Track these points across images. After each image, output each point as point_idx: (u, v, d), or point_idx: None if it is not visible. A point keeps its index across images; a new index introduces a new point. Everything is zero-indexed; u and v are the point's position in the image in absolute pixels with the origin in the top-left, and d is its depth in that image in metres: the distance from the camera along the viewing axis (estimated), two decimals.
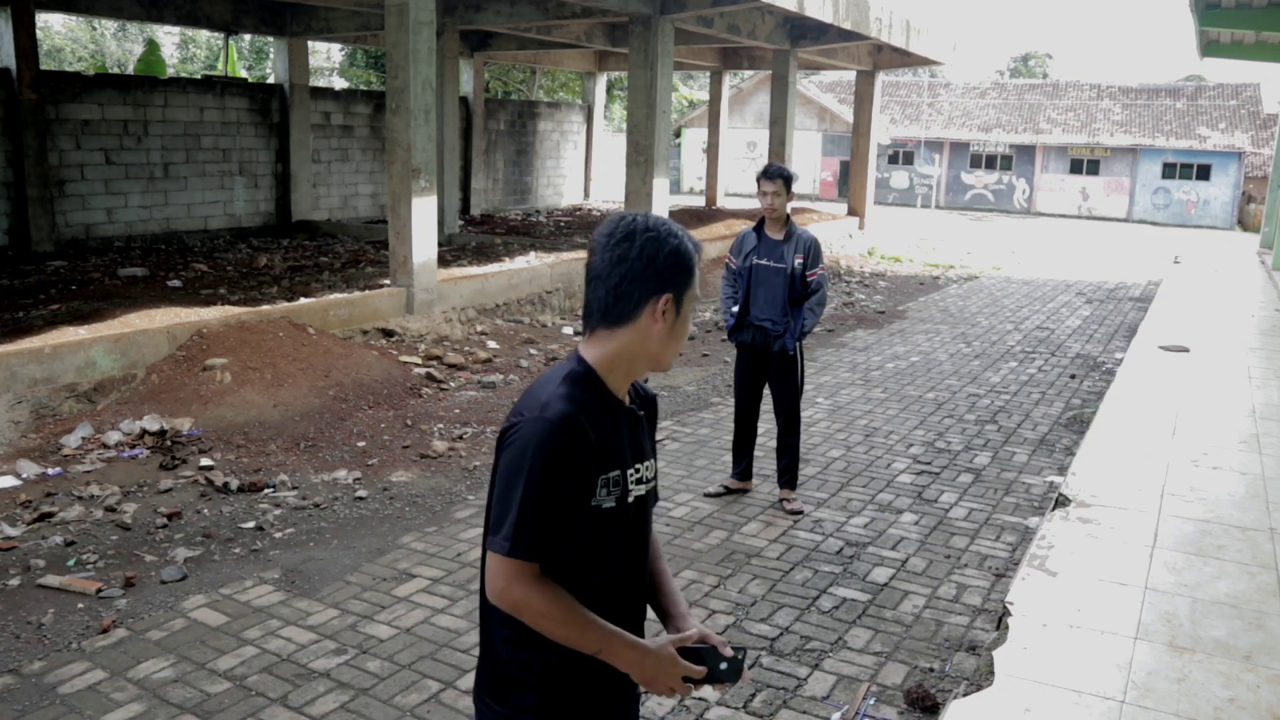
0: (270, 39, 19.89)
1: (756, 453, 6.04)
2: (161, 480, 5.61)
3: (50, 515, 5.06)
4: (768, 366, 5.55)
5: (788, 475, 5.60)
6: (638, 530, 1.84)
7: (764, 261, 5.40)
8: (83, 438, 6.11)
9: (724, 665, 1.71)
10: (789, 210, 5.45)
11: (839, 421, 7.41)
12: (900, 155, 36.96)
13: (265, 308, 8.24)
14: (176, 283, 10.18)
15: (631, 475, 1.78)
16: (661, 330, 1.75)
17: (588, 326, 1.79)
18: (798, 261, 5.35)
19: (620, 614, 1.79)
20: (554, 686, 1.75)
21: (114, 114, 13.53)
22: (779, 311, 5.39)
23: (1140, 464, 5.97)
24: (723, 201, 23.77)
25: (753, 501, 5.67)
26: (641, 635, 1.84)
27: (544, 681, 1.75)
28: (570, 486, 1.67)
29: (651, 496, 1.88)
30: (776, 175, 5.29)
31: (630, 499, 1.77)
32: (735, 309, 5.48)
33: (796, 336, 5.39)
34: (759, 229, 5.46)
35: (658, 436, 6.77)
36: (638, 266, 1.73)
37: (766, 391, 5.69)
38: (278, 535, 4.99)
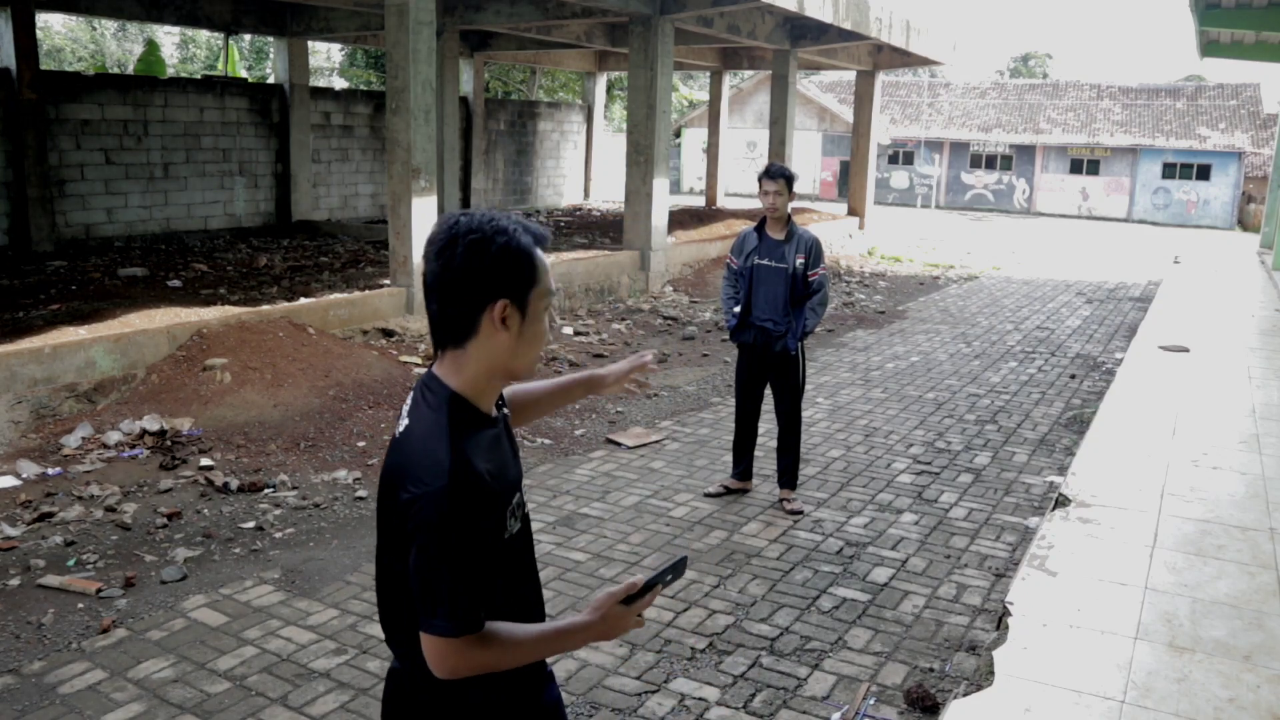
0: (270, 39, 19.90)
1: (756, 453, 6.04)
2: (161, 480, 5.61)
3: (50, 515, 5.06)
4: (769, 366, 5.55)
5: (788, 475, 5.60)
6: (530, 533, 1.81)
7: (765, 261, 5.40)
8: (83, 438, 6.11)
9: (669, 576, 1.66)
10: (790, 210, 5.45)
11: (839, 421, 7.41)
12: (900, 155, 36.97)
13: (265, 308, 8.23)
14: (176, 283, 10.18)
15: (521, 489, 1.74)
16: (508, 340, 1.61)
17: (437, 347, 1.66)
18: (799, 261, 5.35)
19: (536, 607, 1.79)
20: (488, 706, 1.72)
21: (114, 114, 13.53)
22: (780, 312, 5.39)
23: (1140, 464, 5.97)
24: (723, 201, 23.77)
25: (753, 501, 5.67)
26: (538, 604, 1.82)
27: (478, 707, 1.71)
28: (485, 536, 1.59)
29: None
30: (779, 175, 5.28)
31: (522, 510, 1.74)
32: (737, 309, 5.48)
33: (798, 336, 5.39)
34: (760, 229, 5.46)
35: (656, 437, 6.79)
36: (463, 275, 1.57)
37: (767, 392, 5.69)
38: (278, 535, 4.99)
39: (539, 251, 1.64)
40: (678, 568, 1.67)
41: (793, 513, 5.47)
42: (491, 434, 1.67)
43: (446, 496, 1.52)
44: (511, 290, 1.60)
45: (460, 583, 1.54)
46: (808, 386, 8.36)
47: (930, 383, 8.79)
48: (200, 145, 14.74)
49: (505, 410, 1.78)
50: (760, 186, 5.37)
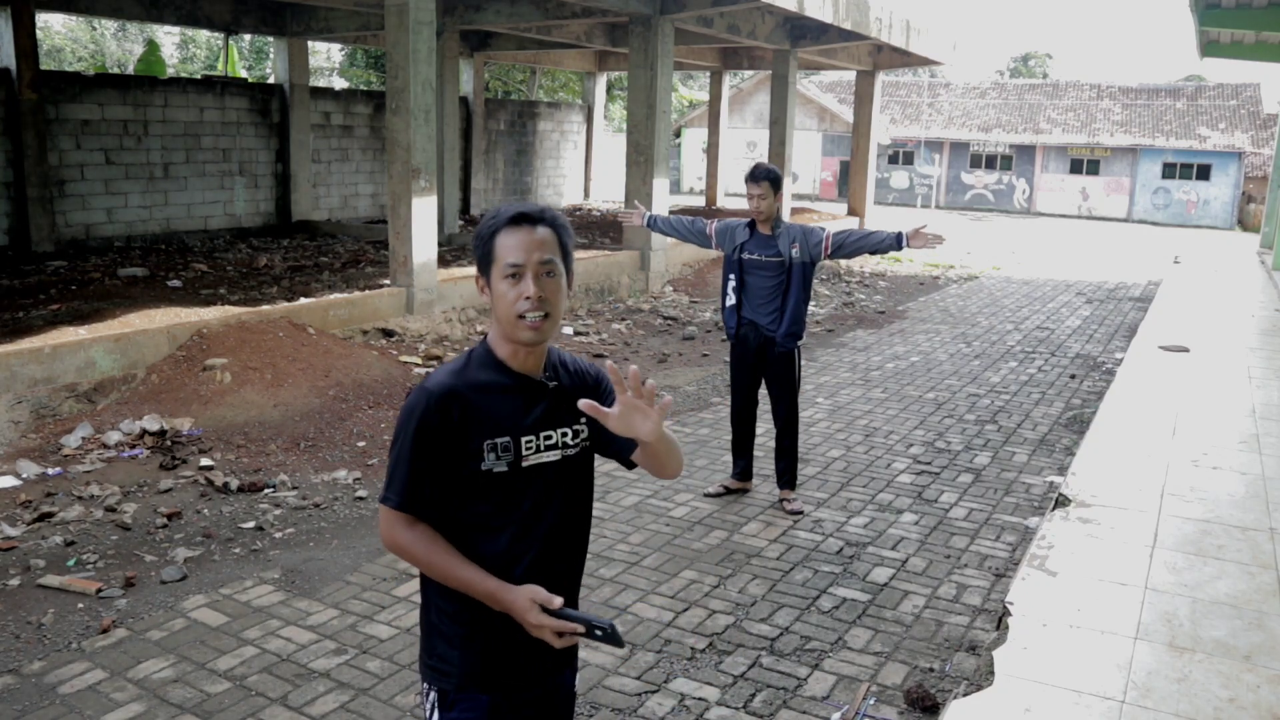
0: (270, 39, 19.90)
1: (756, 452, 6.04)
2: (161, 480, 5.61)
3: (50, 515, 5.06)
4: (763, 364, 5.51)
5: (787, 476, 5.59)
6: (550, 494, 1.95)
7: (755, 255, 5.29)
8: (83, 438, 6.11)
9: (599, 631, 1.78)
10: (786, 212, 5.42)
11: (839, 421, 7.41)
12: (900, 155, 36.95)
13: (265, 308, 8.24)
14: (176, 283, 10.18)
15: (527, 442, 1.91)
16: (492, 306, 1.93)
17: None
18: (794, 251, 5.22)
19: (535, 570, 1.91)
20: (470, 648, 1.93)
21: (114, 114, 13.53)
22: (770, 309, 5.32)
23: (1140, 464, 5.97)
24: (723, 201, 23.77)
25: (753, 501, 5.67)
26: (570, 594, 2.01)
27: (461, 643, 1.94)
28: (444, 449, 1.86)
29: (568, 464, 1.98)
30: (763, 177, 5.17)
31: (525, 464, 1.91)
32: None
33: (898, 234, 5.01)
34: (752, 225, 5.37)
35: None
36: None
37: (764, 392, 5.68)
38: (278, 535, 4.99)
39: (508, 231, 1.89)
40: (611, 635, 1.78)
41: (793, 513, 5.46)
42: (503, 380, 1.92)
43: (415, 396, 1.88)
44: (481, 267, 1.95)
45: (400, 469, 1.87)
46: (807, 386, 8.37)
47: (930, 383, 8.79)
48: (200, 145, 14.74)
49: (554, 383, 1.97)
50: (746, 190, 5.26)
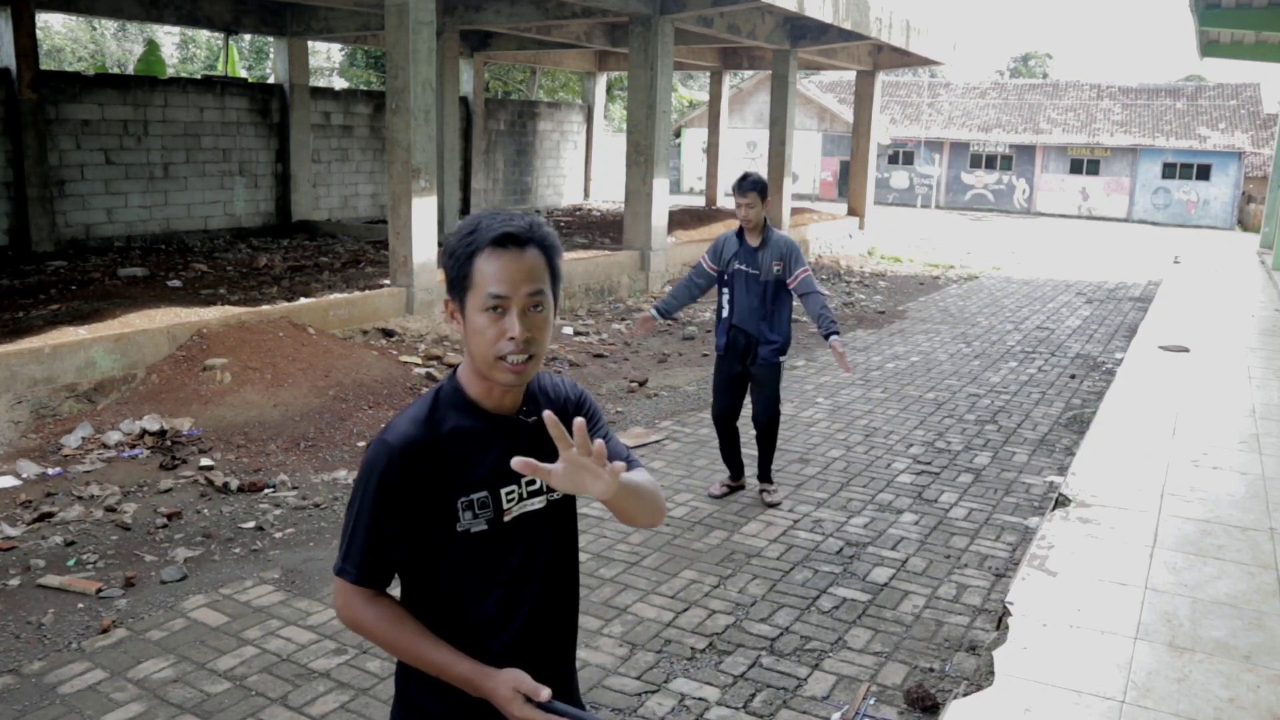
0: (270, 39, 19.89)
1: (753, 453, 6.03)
2: (161, 480, 5.61)
3: (50, 515, 5.06)
4: (746, 370, 5.54)
5: (764, 468, 5.66)
6: (538, 544, 1.73)
7: (743, 268, 5.41)
8: (83, 438, 6.11)
9: None
10: (786, 214, 5.46)
11: (839, 421, 7.41)
12: (900, 155, 36.96)
13: (265, 308, 8.23)
14: (176, 283, 10.18)
15: (508, 494, 1.68)
16: (463, 334, 1.65)
17: None
18: (775, 269, 5.35)
19: (529, 631, 1.72)
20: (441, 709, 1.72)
21: (114, 114, 13.53)
22: (757, 319, 5.39)
23: (1140, 464, 5.97)
24: (723, 201, 23.76)
25: (753, 501, 5.67)
26: (571, 648, 1.83)
27: (434, 703, 1.72)
28: (411, 510, 1.62)
29: (554, 508, 1.75)
30: (750, 188, 5.31)
31: (508, 518, 1.68)
32: (673, 308, 5.58)
33: (832, 332, 5.27)
34: (740, 234, 5.48)
35: (656, 437, 6.78)
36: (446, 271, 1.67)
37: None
38: (278, 535, 4.99)
39: (491, 254, 1.60)
40: None
41: (770, 504, 5.53)
42: (475, 425, 1.67)
43: (374, 450, 1.62)
44: (452, 288, 1.65)
45: (358, 537, 1.63)
46: (808, 386, 8.38)
47: (930, 383, 8.79)
48: (200, 145, 14.74)
49: (533, 419, 1.71)
50: (735, 199, 5.40)
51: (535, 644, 1.74)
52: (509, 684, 1.59)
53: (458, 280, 1.63)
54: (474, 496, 1.65)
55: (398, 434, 1.63)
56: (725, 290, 5.48)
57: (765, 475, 5.68)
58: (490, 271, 1.59)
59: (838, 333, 5.31)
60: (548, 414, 1.51)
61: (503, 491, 1.68)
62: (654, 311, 5.61)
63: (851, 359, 9.65)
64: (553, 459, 1.55)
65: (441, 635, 1.67)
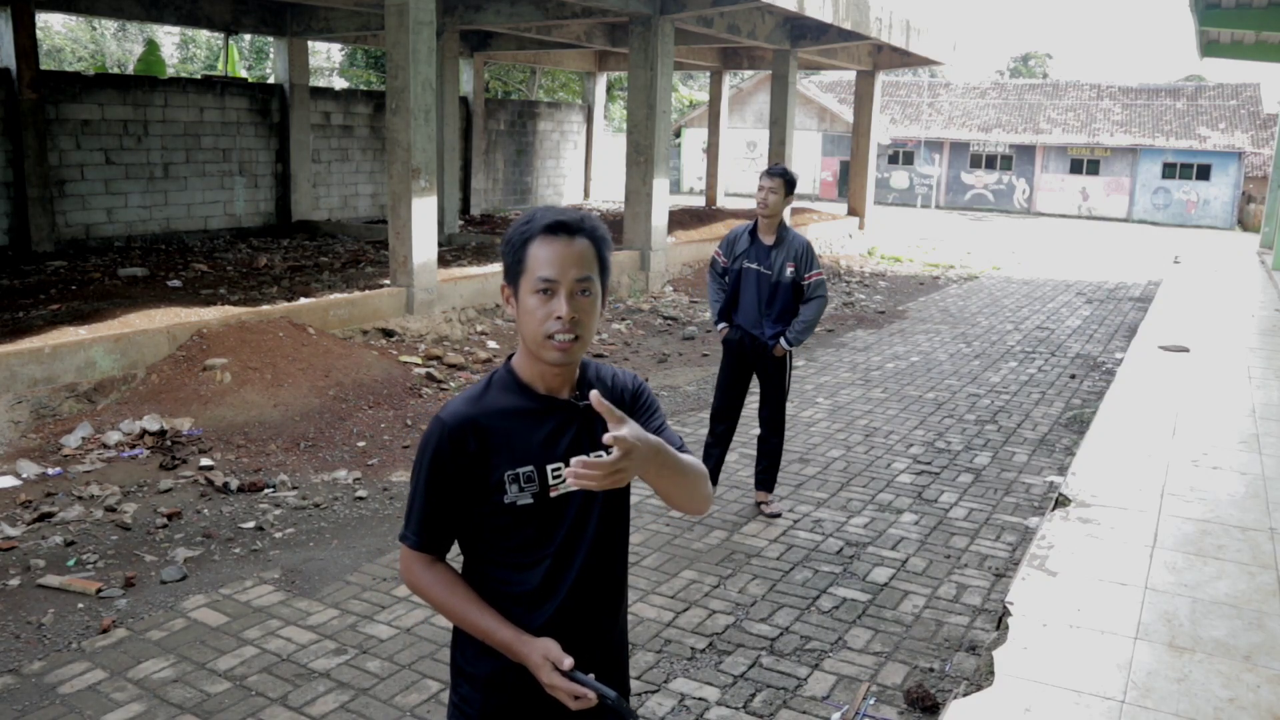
0: (270, 39, 19.90)
1: (752, 453, 6.01)
2: (161, 480, 5.61)
3: (50, 515, 5.06)
4: (753, 367, 5.47)
5: (766, 477, 5.51)
6: (585, 521, 1.82)
7: (752, 265, 5.30)
8: (83, 438, 6.11)
9: (608, 701, 1.69)
10: (787, 213, 5.37)
11: (839, 421, 7.41)
12: (900, 155, 36.96)
13: (265, 308, 8.23)
14: (176, 283, 10.18)
15: (554, 470, 1.77)
16: (517, 319, 1.78)
17: None
18: (789, 271, 5.23)
19: (573, 607, 1.81)
20: (492, 693, 1.83)
21: (114, 114, 13.53)
22: (760, 318, 5.30)
23: (1140, 464, 5.97)
24: (723, 201, 23.77)
25: (753, 501, 5.66)
26: (614, 628, 1.91)
27: (484, 686, 1.83)
28: (462, 483, 1.76)
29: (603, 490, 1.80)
30: (778, 174, 5.21)
31: (554, 494, 1.78)
32: (719, 308, 5.43)
33: (791, 343, 5.27)
34: (753, 230, 5.39)
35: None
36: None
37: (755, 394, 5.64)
38: (278, 535, 4.99)
39: (543, 240, 1.73)
40: (618, 708, 1.70)
41: (770, 516, 5.40)
42: (526, 406, 1.79)
43: (431, 427, 1.77)
44: (508, 275, 1.78)
45: (417, 502, 1.79)
46: (807, 386, 8.38)
47: (930, 383, 8.79)
48: (200, 145, 14.74)
49: (584, 403, 1.79)
50: (759, 183, 5.28)
51: (578, 619, 1.82)
52: (540, 651, 1.71)
53: (513, 266, 1.76)
54: (520, 470, 1.76)
55: (450, 411, 1.77)
56: (728, 282, 5.39)
57: (766, 484, 5.52)
58: (542, 257, 1.72)
59: (791, 342, 5.24)
60: (594, 394, 1.61)
61: (549, 468, 1.78)
62: (721, 323, 5.47)
63: (852, 359, 9.66)
64: (569, 430, 1.78)
65: (491, 603, 1.79)
